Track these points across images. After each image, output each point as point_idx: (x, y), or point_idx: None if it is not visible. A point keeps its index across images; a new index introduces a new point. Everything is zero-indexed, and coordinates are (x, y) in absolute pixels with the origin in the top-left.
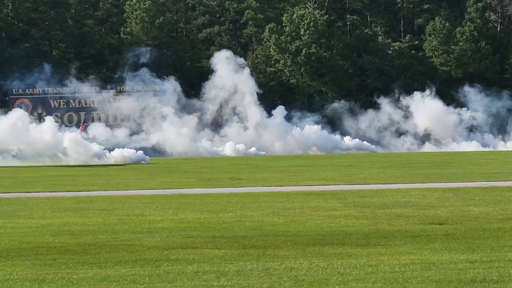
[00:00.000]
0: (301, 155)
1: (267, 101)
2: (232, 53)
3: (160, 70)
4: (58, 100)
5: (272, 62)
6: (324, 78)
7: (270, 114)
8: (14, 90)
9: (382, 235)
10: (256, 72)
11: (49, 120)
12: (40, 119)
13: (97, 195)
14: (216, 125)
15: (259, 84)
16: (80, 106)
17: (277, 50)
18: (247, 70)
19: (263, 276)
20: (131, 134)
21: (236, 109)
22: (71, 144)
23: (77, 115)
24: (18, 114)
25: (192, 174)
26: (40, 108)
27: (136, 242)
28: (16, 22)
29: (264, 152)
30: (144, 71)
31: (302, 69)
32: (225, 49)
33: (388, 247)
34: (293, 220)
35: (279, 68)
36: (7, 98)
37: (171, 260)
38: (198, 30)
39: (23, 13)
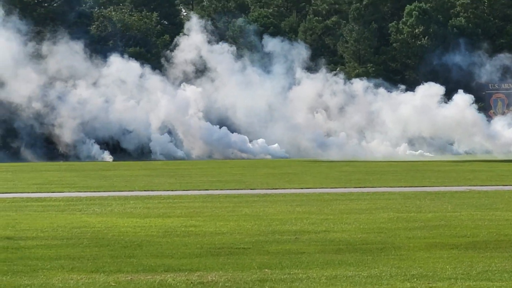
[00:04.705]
0: None
1: None
2: None
3: None
4: None
5: None
6: None
7: None
8: (490, 85)
9: None
10: None
11: (460, 97)
12: None
13: None
14: None
15: None
16: None
17: None
18: None
19: None
20: None
21: None
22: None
23: None
24: (425, 93)
25: None
26: None
27: None
28: (491, 19)
29: None
30: None
31: None
32: None
33: None
34: None
35: None
36: (483, 93)
37: None
38: None
39: (498, 9)
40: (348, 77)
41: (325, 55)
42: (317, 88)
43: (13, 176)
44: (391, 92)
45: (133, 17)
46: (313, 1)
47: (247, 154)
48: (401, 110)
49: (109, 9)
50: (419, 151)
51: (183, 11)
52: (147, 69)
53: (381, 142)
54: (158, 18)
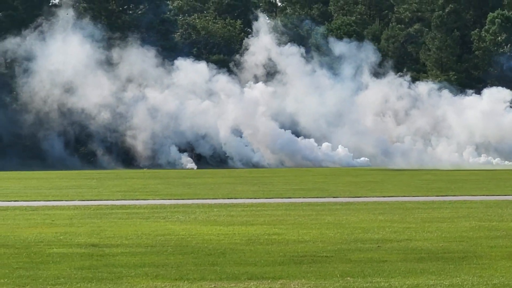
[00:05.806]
0: None
1: None
2: None
3: None
4: None
5: None
6: None
7: None
8: None
9: None
10: None
11: None
12: None
13: None
14: None
15: None
16: None
17: None
18: None
19: None
20: None
21: None
22: None
23: None
24: (491, 98)
25: None
26: None
27: None
28: None
29: None
30: None
31: None
32: None
33: None
34: None
35: None
36: None
37: None
38: None
39: None
40: (413, 80)
41: (408, 62)
42: (384, 92)
43: (97, 184)
44: (455, 95)
45: (217, 25)
46: (396, 9)
47: (312, 162)
48: (467, 115)
49: (193, 16)
50: (483, 156)
51: (267, 18)
52: (215, 71)
53: (446, 148)
54: (241, 25)
